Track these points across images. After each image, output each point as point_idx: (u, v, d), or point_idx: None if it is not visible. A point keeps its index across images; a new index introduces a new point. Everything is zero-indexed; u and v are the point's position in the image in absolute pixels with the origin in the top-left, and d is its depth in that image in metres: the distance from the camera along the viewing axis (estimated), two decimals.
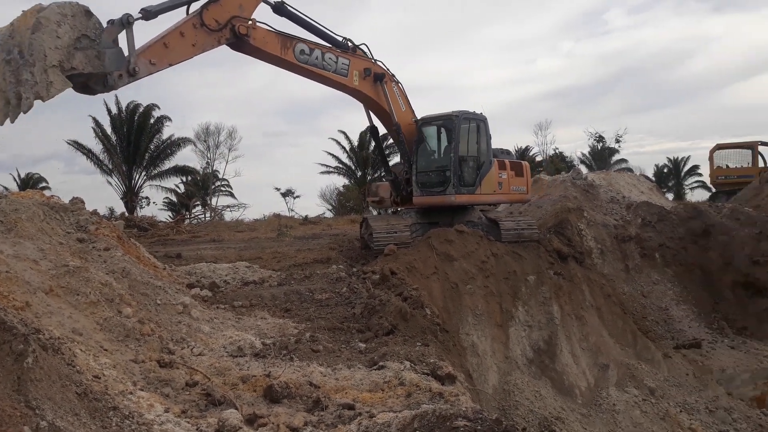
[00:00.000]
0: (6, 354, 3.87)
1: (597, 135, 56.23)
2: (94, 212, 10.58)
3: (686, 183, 60.72)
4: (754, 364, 15.10)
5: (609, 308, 15.01)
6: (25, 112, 7.49)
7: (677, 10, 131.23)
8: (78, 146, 37.24)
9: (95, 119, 36.92)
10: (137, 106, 38.27)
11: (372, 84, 13.52)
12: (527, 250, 14.26)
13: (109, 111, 37.51)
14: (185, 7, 10.25)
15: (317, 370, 6.51)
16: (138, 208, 38.96)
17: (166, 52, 9.66)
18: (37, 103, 7.51)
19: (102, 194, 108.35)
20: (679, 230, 18.80)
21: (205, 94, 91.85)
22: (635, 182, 24.56)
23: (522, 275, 13.57)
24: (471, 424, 4.12)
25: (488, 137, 14.99)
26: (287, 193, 45.88)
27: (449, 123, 14.64)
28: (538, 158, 55.93)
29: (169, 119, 39.97)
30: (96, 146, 37.34)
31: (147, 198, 41.61)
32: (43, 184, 47.62)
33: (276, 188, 45.59)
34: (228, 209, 43.13)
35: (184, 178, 44.89)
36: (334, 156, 47.11)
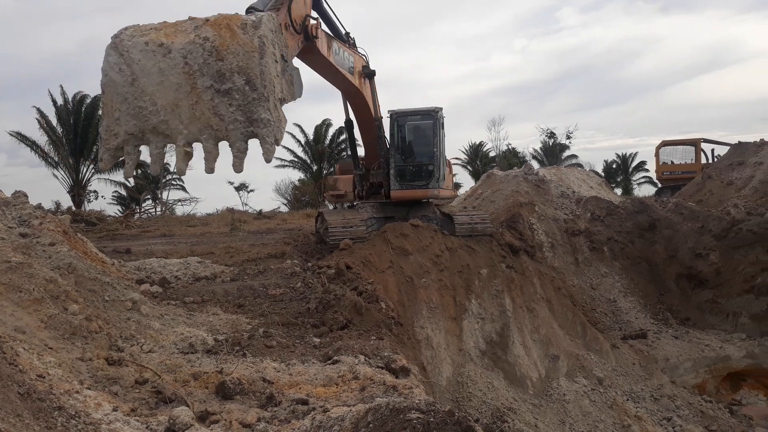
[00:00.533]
0: None
1: (548, 131, 57.34)
2: (39, 206, 10.23)
3: (634, 178, 62.53)
4: (696, 353, 15.69)
5: (559, 300, 15.36)
6: (268, 161, 5.87)
7: (627, 10, 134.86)
8: (22, 138, 35.94)
9: (39, 110, 35.69)
10: (84, 97, 37.15)
11: (363, 80, 13.24)
12: (480, 244, 14.46)
13: (54, 102, 36.34)
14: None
15: (271, 366, 6.46)
16: (85, 202, 37.90)
17: None
18: None
19: (47, 188, 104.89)
20: (627, 224, 19.35)
21: None
22: (585, 178, 25.18)
23: (475, 269, 13.77)
24: (424, 416, 4.16)
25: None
26: (241, 187, 45.10)
27: (429, 118, 14.76)
28: (492, 154, 56.81)
29: None
30: (41, 138, 36.12)
31: (95, 192, 40.46)
32: None
33: (229, 182, 44.68)
34: (179, 203, 42.30)
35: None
36: (289, 150, 46.65)
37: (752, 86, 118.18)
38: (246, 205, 42.06)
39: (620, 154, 63.84)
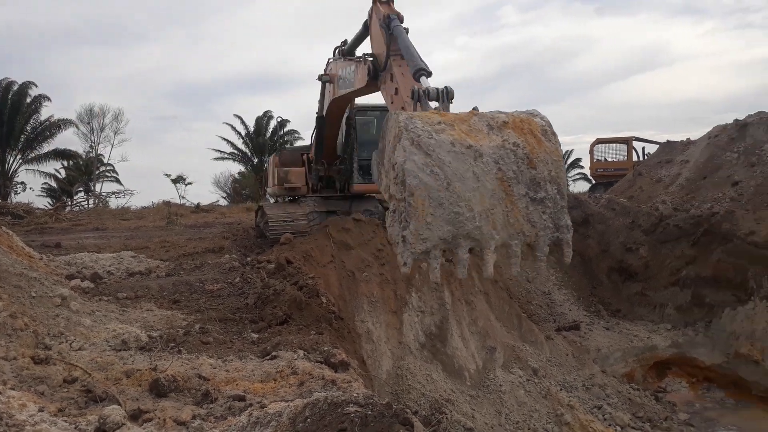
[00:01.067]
0: None
1: None
2: None
3: (570, 175, 64.35)
4: (625, 344, 16.30)
5: (496, 293, 15.68)
6: (567, 263, 5.95)
7: (564, 10, 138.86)
8: None
9: None
10: (11, 83, 35.51)
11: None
12: None
13: None
14: None
15: (207, 363, 6.35)
16: (12, 194, 36.33)
17: None
18: None
19: None
20: None
21: (90, 74, 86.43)
22: None
23: None
24: (362, 409, 4.18)
25: None
26: (178, 180, 43.98)
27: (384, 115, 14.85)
28: None
29: (48, 99, 37.53)
30: None
31: (23, 183, 38.94)
32: None
33: (166, 174, 43.56)
34: (113, 196, 41.12)
35: (65, 163, 42.24)
36: (229, 141, 45.91)
37: (679, 88, 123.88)
38: (183, 198, 41.16)
39: None
